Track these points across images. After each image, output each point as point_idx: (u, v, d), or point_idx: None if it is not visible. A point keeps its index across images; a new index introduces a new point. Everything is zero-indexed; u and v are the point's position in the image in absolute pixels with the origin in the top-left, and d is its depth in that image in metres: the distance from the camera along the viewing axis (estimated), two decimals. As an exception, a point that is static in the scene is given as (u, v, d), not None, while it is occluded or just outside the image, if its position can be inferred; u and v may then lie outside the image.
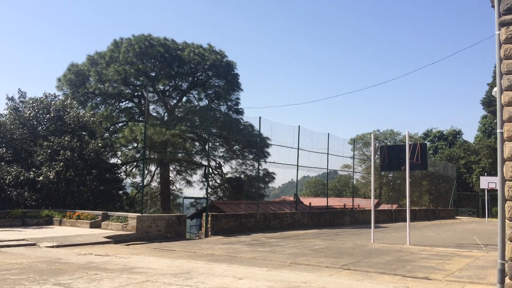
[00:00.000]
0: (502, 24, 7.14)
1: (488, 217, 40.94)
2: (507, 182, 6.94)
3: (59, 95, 27.44)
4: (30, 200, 20.65)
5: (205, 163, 31.40)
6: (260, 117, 22.75)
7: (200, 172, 34.48)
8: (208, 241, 16.80)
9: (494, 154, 54.53)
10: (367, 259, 12.05)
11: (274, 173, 31.28)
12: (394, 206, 42.12)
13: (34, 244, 13.38)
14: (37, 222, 19.04)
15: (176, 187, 35.48)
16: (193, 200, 35.10)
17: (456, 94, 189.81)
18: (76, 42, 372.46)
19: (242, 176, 31.95)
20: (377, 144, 63.43)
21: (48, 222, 19.28)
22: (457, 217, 49.07)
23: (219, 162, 31.86)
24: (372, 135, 16.93)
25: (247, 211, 22.40)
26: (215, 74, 31.58)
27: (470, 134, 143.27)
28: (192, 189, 35.28)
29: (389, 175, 51.07)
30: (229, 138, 28.30)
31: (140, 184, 33.89)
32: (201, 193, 36.76)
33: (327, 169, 28.04)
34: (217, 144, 30.64)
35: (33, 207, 20.82)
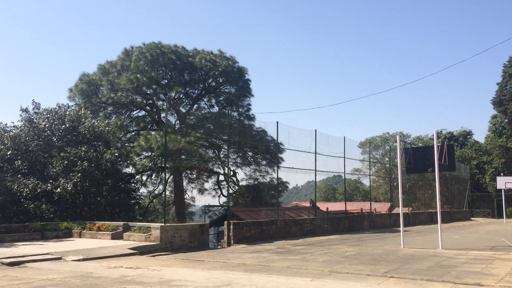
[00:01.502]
0: None
1: (505, 218, 40.27)
2: None
3: (71, 105, 27.25)
4: (48, 213, 20.33)
5: (219, 170, 31.06)
6: (277, 122, 22.37)
7: (212, 180, 34.14)
8: (233, 250, 16.38)
9: (507, 153, 53.99)
10: (406, 265, 11.60)
11: (287, 182, 30.86)
12: (408, 209, 41.59)
13: (59, 258, 13.01)
14: (57, 235, 18.68)
15: (188, 195, 35.10)
16: (213, 207, 34.69)
17: (465, 95, 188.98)
18: (86, 52, 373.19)
19: (256, 182, 31.55)
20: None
21: (68, 234, 18.93)
22: (472, 218, 48.41)
23: (234, 169, 31.45)
24: (397, 136, 16.52)
25: (268, 218, 21.96)
26: (226, 80, 31.28)
27: (480, 135, 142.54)
28: (203, 197, 34.88)
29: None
30: (243, 145, 27.93)
31: (154, 193, 33.71)
32: (214, 201, 36.35)
33: (344, 173, 27.62)
34: (232, 151, 30.25)
35: (51, 219, 20.49)
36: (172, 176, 31.90)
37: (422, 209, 43.39)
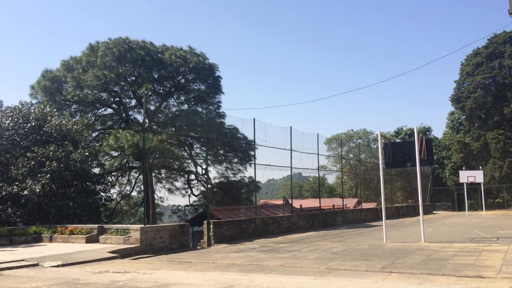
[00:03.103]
0: None
1: (467, 210, 41.75)
2: None
3: (34, 103, 25.89)
4: (14, 217, 19.12)
5: (191, 169, 30.43)
6: (254, 119, 22.06)
7: (182, 179, 33.44)
8: (217, 250, 15.94)
9: (465, 148, 56.04)
10: (399, 260, 11.58)
11: (259, 182, 30.49)
12: (374, 205, 42.37)
13: (37, 265, 12.17)
14: (25, 239, 17.60)
15: (156, 195, 34.20)
16: (182, 208, 33.89)
17: (424, 93, 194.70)
18: (47, 48, 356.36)
19: (228, 180, 31.14)
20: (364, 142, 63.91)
21: (37, 239, 17.86)
22: (434, 212, 49.90)
23: (205, 167, 30.87)
24: (378, 132, 16.59)
25: (246, 217, 21.62)
26: (197, 77, 30.64)
27: (439, 131, 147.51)
28: (175, 196, 34.10)
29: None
30: (216, 142, 27.42)
31: (121, 194, 32.61)
32: (184, 201, 35.57)
33: (318, 169, 27.67)
34: (204, 149, 29.68)
35: (17, 223, 19.29)
36: (141, 176, 31.01)
37: (387, 204, 44.12)
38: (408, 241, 16.51)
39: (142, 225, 15.77)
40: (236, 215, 23.78)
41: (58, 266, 12.05)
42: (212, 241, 18.28)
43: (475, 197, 49.99)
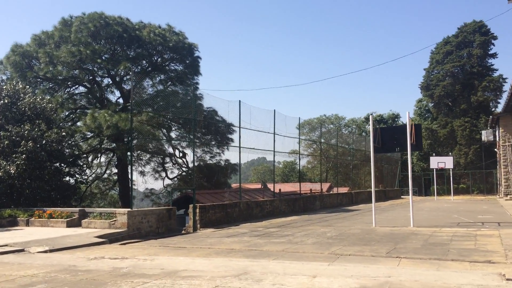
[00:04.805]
0: None
1: (436, 195, 42.94)
2: None
3: (4, 79, 24.41)
4: (-14, 199, 18.04)
5: (170, 151, 29.70)
6: (240, 101, 21.59)
7: (154, 161, 32.65)
8: (207, 235, 15.55)
9: (432, 135, 57.46)
10: (399, 245, 11.57)
11: (235, 164, 30.11)
12: (347, 189, 42.93)
13: (22, 250, 11.44)
14: (0, 223, 16.64)
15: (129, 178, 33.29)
16: (148, 191, 33.16)
17: (393, 80, 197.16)
18: (16, 21, 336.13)
19: (207, 163, 30.61)
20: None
21: (12, 223, 16.93)
22: (402, 196, 51.11)
23: (183, 150, 30.23)
24: (370, 116, 16.51)
25: (230, 201, 21.28)
26: (176, 56, 29.72)
27: (406, 118, 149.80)
28: (144, 179, 33.24)
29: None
30: (198, 124, 26.75)
31: (96, 176, 31.52)
32: (156, 184, 34.80)
33: (299, 154, 27.57)
34: (183, 131, 28.99)
35: (-11, 206, 18.23)
36: (115, 158, 30.05)
37: (356, 189, 44.69)
38: (397, 226, 16.65)
39: (129, 209, 15.15)
40: (218, 199, 23.42)
41: (45, 251, 11.36)
42: (198, 225, 17.85)
43: (441, 182, 51.54)
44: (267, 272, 8.14)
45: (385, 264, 8.85)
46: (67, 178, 22.79)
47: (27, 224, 16.85)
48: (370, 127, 16.92)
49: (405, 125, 17.30)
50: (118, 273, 8.41)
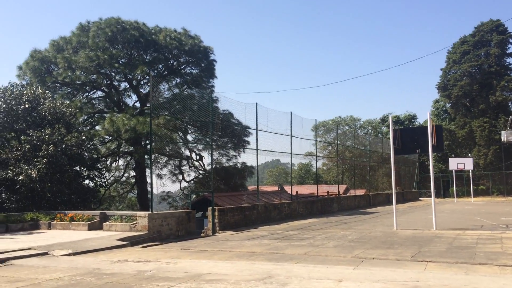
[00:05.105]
0: None
1: (456, 197, 42.30)
2: None
3: (23, 85, 24.77)
4: (9, 203, 18.28)
5: (187, 154, 29.80)
6: (256, 104, 21.55)
7: (171, 164, 32.78)
8: (227, 238, 15.53)
9: (450, 136, 56.65)
10: (424, 248, 11.38)
11: (252, 166, 30.08)
12: (364, 191, 42.53)
13: (46, 253, 11.56)
14: (22, 226, 16.85)
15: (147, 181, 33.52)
16: (165, 194, 33.31)
17: (410, 80, 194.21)
18: (34, 27, 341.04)
19: (223, 166, 30.63)
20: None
21: (34, 226, 17.13)
22: (420, 198, 50.51)
23: (199, 153, 30.30)
24: (390, 117, 16.33)
25: (249, 203, 21.23)
26: (191, 60, 29.83)
27: (424, 118, 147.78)
28: (161, 182, 33.40)
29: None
30: (215, 127, 26.79)
31: (115, 179, 31.78)
32: (173, 187, 34.93)
33: (316, 156, 27.43)
34: (199, 134, 29.06)
35: (12, 210, 18.47)
36: (133, 162, 30.27)
37: (372, 191, 44.27)
38: (419, 228, 16.41)
39: (150, 212, 15.21)
40: (235, 202, 23.38)
41: (69, 255, 11.45)
42: (217, 228, 17.86)
43: (459, 184, 50.77)
44: (291, 276, 8.07)
45: (411, 268, 8.71)
46: (87, 182, 23.01)
47: (49, 227, 17.04)
48: (390, 128, 16.73)
49: (425, 126, 17.08)
50: (142, 276, 8.42)
